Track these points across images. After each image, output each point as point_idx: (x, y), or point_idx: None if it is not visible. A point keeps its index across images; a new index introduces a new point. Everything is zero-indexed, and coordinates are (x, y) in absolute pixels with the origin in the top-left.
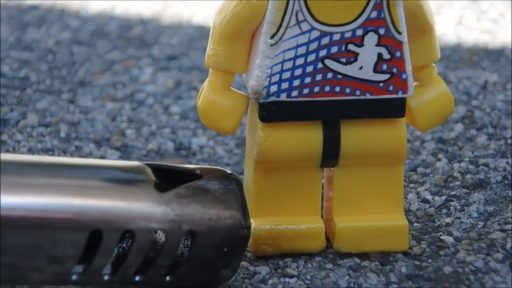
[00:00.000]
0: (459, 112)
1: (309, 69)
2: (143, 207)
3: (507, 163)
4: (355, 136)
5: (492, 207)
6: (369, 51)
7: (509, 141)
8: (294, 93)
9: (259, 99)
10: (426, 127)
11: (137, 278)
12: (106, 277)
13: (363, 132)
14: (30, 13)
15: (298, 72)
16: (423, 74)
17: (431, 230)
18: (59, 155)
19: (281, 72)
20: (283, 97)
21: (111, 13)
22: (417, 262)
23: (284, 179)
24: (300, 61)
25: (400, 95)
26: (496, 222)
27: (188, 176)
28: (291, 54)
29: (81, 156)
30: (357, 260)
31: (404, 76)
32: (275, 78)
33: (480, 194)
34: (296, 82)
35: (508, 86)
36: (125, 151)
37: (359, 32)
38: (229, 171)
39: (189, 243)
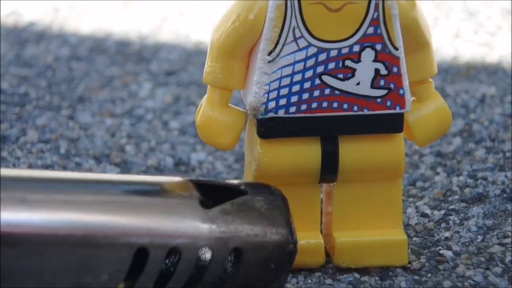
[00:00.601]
0: (457, 126)
1: (307, 85)
2: (188, 224)
3: (506, 176)
4: (353, 151)
5: (491, 220)
6: (366, 67)
7: (507, 154)
8: (292, 109)
9: (257, 115)
10: (424, 142)
11: None
12: None
13: (361, 148)
14: (29, 30)
15: (295, 88)
16: (420, 89)
17: (430, 244)
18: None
19: (279, 88)
20: (281, 113)
21: (109, 29)
22: (416, 277)
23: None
24: (297, 77)
25: (397, 110)
26: (495, 236)
27: (232, 191)
28: (288, 70)
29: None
30: (356, 275)
31: (401, 92)
32: (273, 95)
33: (479, 208)
34: (294, 98)
35: (505, 99)
36: (124, 167)
37: (356, 48)
38: (273, 187)
39: (232, 257)
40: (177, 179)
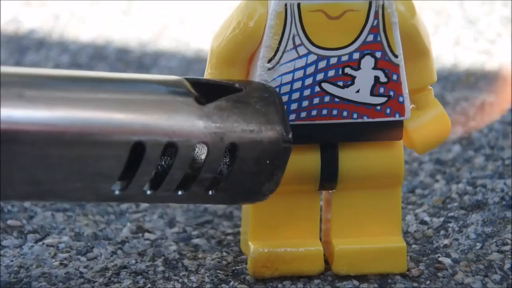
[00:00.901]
0: (456, 133)
1: (307, 92)
2: (184, 120)
3: (505, 184)
4: (353, 159)
5: (490, 228)
6: (366, 75)
7: (506, 162)
8: (292, 116)
9: None
10: (423, 149)
11: (179, 192)
12: (148, 192)
13: (361, 155)
14: (29, 37)
15: (295, 95)
16: (420, 97)
17: (429, 251)
18: None
19: None
20: None
21: (109, 36)
22: (415, 284)
23: (282, 202)
24: (297, 84)
25: (397, 118)
26: (494, 243)
27: (227, 89)
28: (288, 78)
29: None
30: (355, 282)
31: (401, 99)
32: None
33: (478, 215)
34: (294, 106)
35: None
36: None
37: (356, 56)
38: (269, 85)
39: (227, 160)
40: (172, 77)
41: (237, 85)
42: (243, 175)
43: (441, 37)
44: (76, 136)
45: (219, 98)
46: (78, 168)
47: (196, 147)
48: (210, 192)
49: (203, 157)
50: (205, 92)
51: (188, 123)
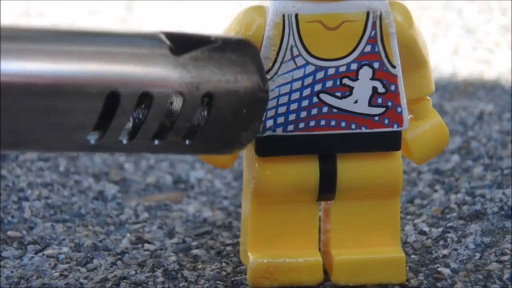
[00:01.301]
0: (455, 143)
1: (305, 103)
2: (159, 70)
3: (504, 193)
4: (351, 169)
5: (489, 238)
6: (364, 85)
7: (505, 171)
8: (290, 127)
9: None
10: (421, 159)
11: (156, 142)
12: (124, 142)
13: (359, 166)
14: None
15: (293, 106)
16: (418, 107)
17: (428, 262)
18: (58, 190)
19: (277, 106)
20: (279, 131)
21: None
22: None
23: (281, 212)
24: (295, 95)
25: (395, 128)
26: (493, 253)
27: (203, 41)
28: (286, 88)
29: (80, 191)
30: None
31: (399, 110)
32: (271, 113)
33: (477, 225)
34: (292, 117)
35: (504, 116)
36: (123, 185)
37: (354, 66)
38: (245, 38)
39: (205, 113)
40: (148, 31)
41: (213, 37)
42: (220, 125)
43: (440, 47)
44: (49, 87)
45: (195, 50)
46: (54, 119)
47: (172, 97)
48: (187, 142)
49: (179, 101)
50: (181, 45)
51: (163, 73)
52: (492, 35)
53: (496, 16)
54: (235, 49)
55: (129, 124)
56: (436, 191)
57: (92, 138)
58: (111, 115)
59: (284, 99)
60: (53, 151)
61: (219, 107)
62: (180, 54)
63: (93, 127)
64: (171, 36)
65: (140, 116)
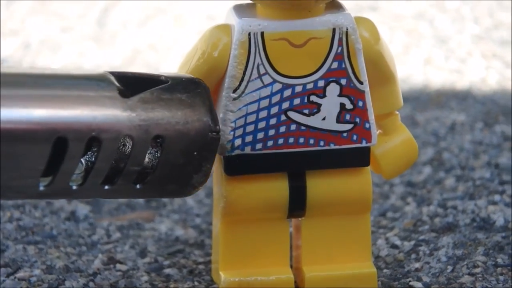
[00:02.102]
0: (427, 154)
1: (273, 121)
2: (107, 113)
3: (476, 205)
4: (321, 186)
5: (461, 250)
6: (331, 102)
7: (477, 182)
8: (259, 145)
9: (223, 152)
10: (391, 174)
11: (106, 187)
12: (74, 187)
13: (329, 182)
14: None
15: (261, 125)
16: (386, 122)
17: (401, 276)
18: (29, 211)
19: (245, 125)
20: (247, 150)
21: (80, 63)
22: None
23: (252, 230)
24: (263, 114)
25: (364, 144)
26: (465, 266)
27: (153, 82)
28: (254, 107)
29: (51, 211)
30: None
31: (367, 125)
32: (239, 132)
33: (449, 237)
34: (260, 135)
35: (476, 126)
36: (96, 205)
37: (321, 83)
38: (196, 77)
39: (159, 154)
40: (97, 72)
41: (163, 77)
42: (170, 168)
43: (412, 57)
44: None
45: (144, 91)
46: (1, 165)
47: (123, 141)
48: (137, 186)
49: (128, 145)
50: (131, 86)
51: (112, 116)
52: (465, 45)
53: (468, 25)
54: (185, 90)
55: (82, 168)
56: (408, 203)
57: (41, 185)
58: (60, 161)
59: (252, 118)
60: (7, 199)
61: (170, 149)
62: (129, 96)
63: (42, 173)
64: (120, 77)
65: (93, 159)
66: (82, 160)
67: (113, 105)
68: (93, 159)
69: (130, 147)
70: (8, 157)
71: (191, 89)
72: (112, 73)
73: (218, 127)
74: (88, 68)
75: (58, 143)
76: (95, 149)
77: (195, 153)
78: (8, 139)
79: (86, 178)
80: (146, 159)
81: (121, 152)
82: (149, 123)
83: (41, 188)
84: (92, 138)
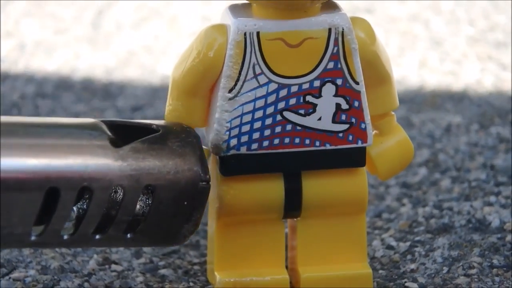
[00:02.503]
0: (423, 156)
1: (268, 121)
2: (98, 163)
3: (471, 206)
4: (316, 186)
5: (457, 251)
6: (327, 102)
7: (473, 183)
8: (254, 146)
9: (219, 153)
10: (386, 175)
11: (97, 236)
12: (65, 237)
13: (325, 183)
14: None
15: (257, 125)
16: (382, 123)
17: (396, 277)
18: None
19: (240, 125)
20: (243, 150)
21: (75, 65)
22: None
23: (247, 231)
24: (259, 114)
25: (359, 144)
26: (461, 267)
27: (144, 131)
28: (249, 107)
29: None
30: None
31: (363, 126)
32: (235, 132)
33: (444, 238)
34: (256, 135)
35: (471, 127)
36: None
37: (317, 83)
38: (186, 125)
39: (150, 202)
40: (88, 120)
41: (154, 126)
42: (161, 217)
43: (407, 59)
44: None
45: (135, 140)
46: None
47: (114, 189)
48: (128, 235)
49: (120, 194)
50: (122, 134)
51: (103, 166)
52: (460, 47)
53: (463, 27)
54: (176, 139)
55: (73, 215)
56: (403, 205)
57: (33, 234)
58: (52, 210)
59: (247, 118)
60: None
61: (160, 199)
62: (121, 145)
63: (34, 223)
64: (111, 125)
65: (85, 207)
66: (74, 208)
67: (105, 155)
68: (84, 206)
69: (121, 194)
70: (1, 206)
71: (182, 138)
72: (104, 121)
73: (208, 176)
74: (82, 69)
75: (50, 193)
76: (87, 196)
77: (185, 202)
78: (1, 188)
79: (78, 226)
80: (138, 206)
81: (112, 200)
82: (140, 172)
83: (33, 237)
84: (84, 188)
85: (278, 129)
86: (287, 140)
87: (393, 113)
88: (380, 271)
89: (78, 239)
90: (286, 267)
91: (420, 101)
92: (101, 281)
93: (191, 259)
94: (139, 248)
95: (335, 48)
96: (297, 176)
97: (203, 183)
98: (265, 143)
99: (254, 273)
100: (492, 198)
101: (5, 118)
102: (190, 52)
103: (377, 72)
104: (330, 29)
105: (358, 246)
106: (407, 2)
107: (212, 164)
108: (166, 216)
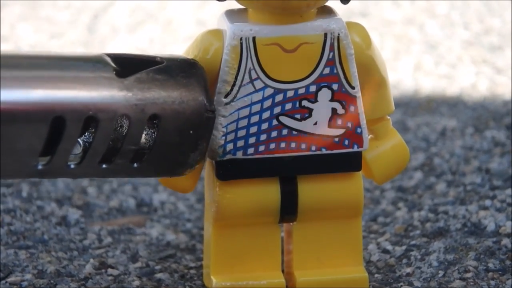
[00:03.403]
0: (418, 160)
1: (264, 126)
2: (104, 93)
3: (467, 210)
4: (312, 191)
5: (452, 255)
6: (323, 107)
7: (468, 187)
8: (250, 150)
9: (215, 157)
10: (382, 179)
11: (104, 166)
12: (72, 166)
13: (320, 187)
14: None
15: (253, 129)
16: (378, 127)
17: (392, 281)
18: (21, 216)
19: (236, 130)
20: (239, 155)
21: None
22: None
23: (244, 235)
24: (255, 118)
25: (355, 149)
26: (456, 270)
27: (149, 63)
28: (245, 112)
29: (42, 216)
30: None
31: (359, 130)
32: (231, 137)
33: (440, 242)
34: (252, 140)
35: (466, 131)
36: (87, 210)
37: (313, 89)
38: (191, 58)
39: (155, 135)
40: (93, 53)
41: (158, 58)
42: (167, 146)
43: (402, 63)
44: None
45: (140, 71)
46: (1, 145)
47: (120, 121)
48: (135, 165)
49: (125, 124)
50: (126, 67)
51: (108, 96)
52: (455, 50)
53: (458, 30)
54: (180, 70)
55: (79, 148)
56: (399, 208)
57: (40, 163)
58: (58, 140)
59: (243, 122)
60: (3, 178)
61: (166, 128)
62: (125, 76)
63: (40, 153)
64: (115, 58)
65: (90, 140)
66: (80, 140)
67: (110, 85)
68: (90, 139)
69: (126, 127)
70: (7, 137)
71: (187, 69)
72: (108, 54)
73: (213, 106)
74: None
75: (55, 123)
76: (93, 130)
77: (191, 131)
78: (6, 119)
79: (84, 157)
80: (143, 140)
81: (118, 133)
82: (145, 102)
83: (40, 167)
84: (90, 117)
85: (274, 133)
86: (283, 144)
87: (388, 117)
88: (376, 275)
89: (84, 168)
90: (282, 271)
91: (416, 105)
92: (98, 285)
93: (187, 263)
94: (135, 252)
95: (331, 54)
96: (293, 180)
97: (209, 112)
98: (261, 148)
99: (250, 277)
100: (488, 202)
101: (8, 51)
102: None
103: (373, 77)
104: (325, 34)
105: (354, 250)
106: (402, 5)
107: (208, 169)
108: (172, 145)
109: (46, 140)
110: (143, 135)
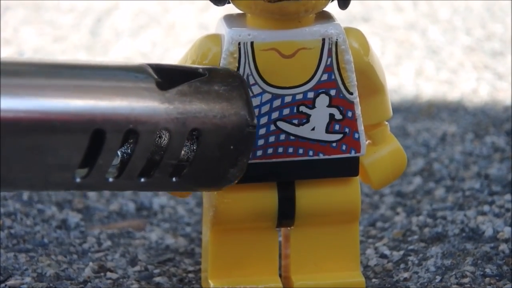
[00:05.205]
0: (418, 165)
1: (262, 131)
2: (145, 106)
3: (465, 215)
4: (310, 196)
5: (450, 260)
6: (321, 112)
7: (467, 193)
8: None
9: None
10: (379, 184)
11: (142, 179)
12: (110, 179)
13: (318, 192)
14: None
15: None
16: (376, 133)
17: (389, 285)
18: (21, 219)
19: None
20: None
21: None
22: None
23: (241, 239)
24: None
25: (353, 154)
26: (454, 276)
27: (191, 75)
28: None
29: (43, 220)
30: None
31: (356, 136)
32: None
33: (437, 247)
34: None
35: (466, 137)
36: (87, 213)
37: (311, 95)
38: (233, 70)
39: (195, 147)
40: (135, 63)
41: (200, 70)
42: (207, 161)
43: (404, 68)
44: (32, 124)
45: (182, 84)
46: (38, 157)
47: (159, 133)
48: (174, 179)
49: (166, 137)
50: (168, 78)
51: (150, 109)
52: (456, 56)
53: (460, 36)
54: (223, 83)
55: (117, 160)
56: (397, 213)
57: (78, 176)
58: (97, 153)
59: None
60: (38, 190)
61: (206, 143)
62: (167, 88)
63: (79, 165)
64: (157, 69)
65: (129, 151)
66: (118, 152)
67: (151, 97)
68: (129, 151)
69: (166, 139)
70: (46, 148)
71: (229, 82)
72: (150, 65)
73: (255, 121)
74: None
75: (95, 135)
76: (131, 141)
77: (231, 147)
78: (46, 130)
79: (123, 170)
80: (182, 152)
81: (157, 145)
82: (187, 116)
83: (78, 180)
84: (130, 130)
85: (271, 138)
86: (280, 149)
87: (386, 123)
88: (373, 280)
89: (122, 181)
90: (280, 275)
91: (416, 110)
92: None
93: (185, 267)
94: (134, 256)
95: (329, 59)
96: (290, 185)
97: (250, 127)
98: (259, 153)
99: (248, 281)
100: (486, 208)
101: (50, 60)
102: (184, 62)
103: (371, 82)
104: (323, 39)
105: (351, 255)
106: (404, 10)
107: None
108: (212, 160)
109: (86, 153)
110: (183, 148)
